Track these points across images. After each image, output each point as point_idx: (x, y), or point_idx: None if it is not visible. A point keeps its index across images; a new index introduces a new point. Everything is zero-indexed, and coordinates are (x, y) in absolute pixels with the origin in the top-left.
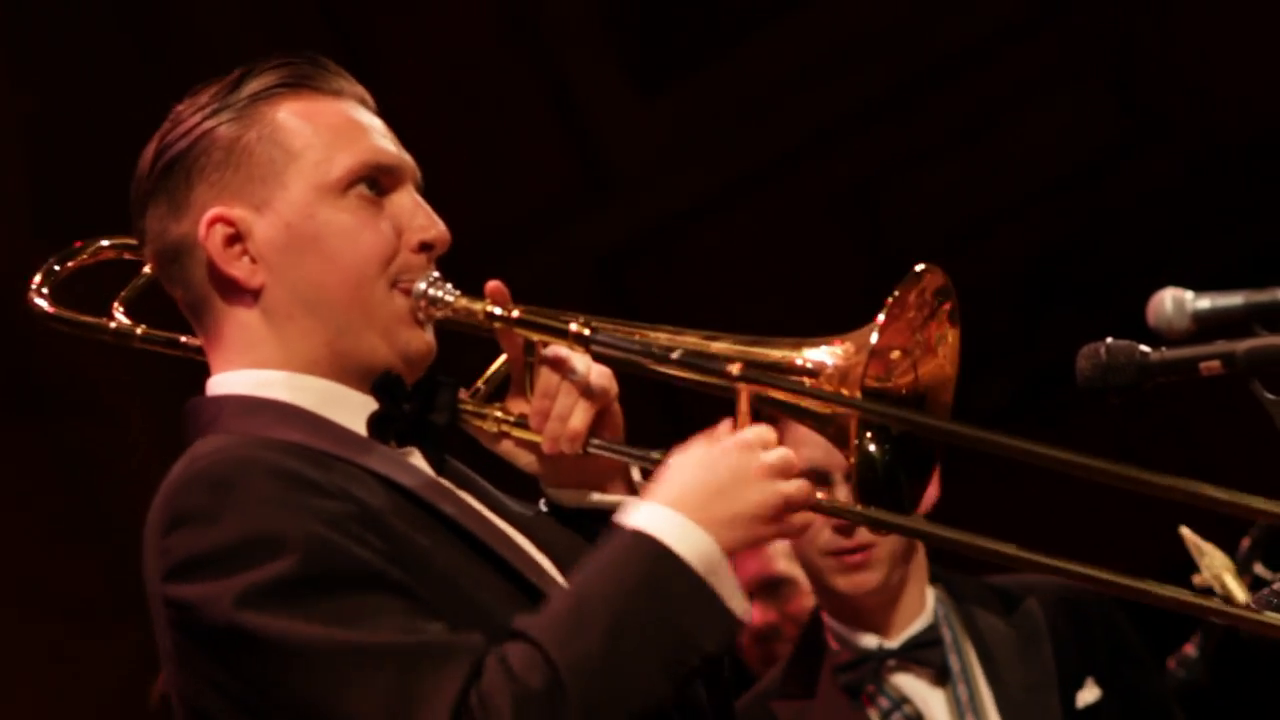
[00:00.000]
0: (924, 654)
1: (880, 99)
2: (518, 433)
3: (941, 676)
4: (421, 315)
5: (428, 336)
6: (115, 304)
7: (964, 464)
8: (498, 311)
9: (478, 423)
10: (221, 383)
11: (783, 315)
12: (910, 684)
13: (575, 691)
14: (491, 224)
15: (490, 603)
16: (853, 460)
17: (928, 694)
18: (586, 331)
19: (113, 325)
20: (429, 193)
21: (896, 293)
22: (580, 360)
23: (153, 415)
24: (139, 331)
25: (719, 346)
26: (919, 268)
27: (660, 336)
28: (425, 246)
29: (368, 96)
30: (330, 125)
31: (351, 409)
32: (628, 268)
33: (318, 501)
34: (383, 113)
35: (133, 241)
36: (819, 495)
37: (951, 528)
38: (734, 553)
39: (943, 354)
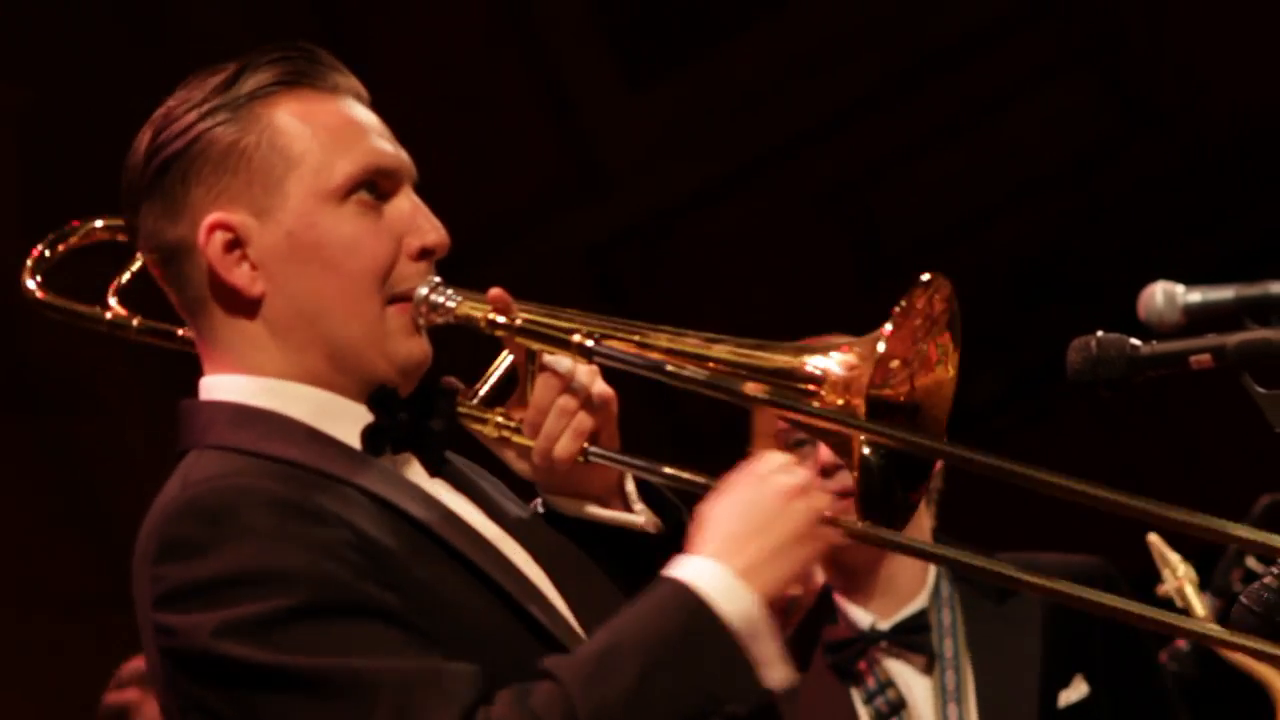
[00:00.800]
0: (913, 639)
1: (871, 93)
2: (517, 439)
3: (929, 662)
4: (422, 321)
5: (425, 345)
6: (109, 293)
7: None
8: (500, 320)
9: (478, 427)
10: (215, 386)
11: (773, 308)
12: (898, 668)
13: None
14: (482, 217)
15: (486, 629)
16: (856, 473)
17: (913, 679)
18: (589, 343)
19: (108, 315)
20: (421, 187)
21: (904, 301)
22: (582, 372)
23: (147, 410)
24: (135, 323)
25: (720, 350)
26: (925, 276)
27: (661, 339)
28: (425, 252)
29: (362, 90)
30: (328, 127)
31: (347, 421)
32: (618, 261)
33: (313, 530)
34: (373, 107)
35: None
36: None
37: (953, 547)
38: (782, 587)
39: (942, 369)
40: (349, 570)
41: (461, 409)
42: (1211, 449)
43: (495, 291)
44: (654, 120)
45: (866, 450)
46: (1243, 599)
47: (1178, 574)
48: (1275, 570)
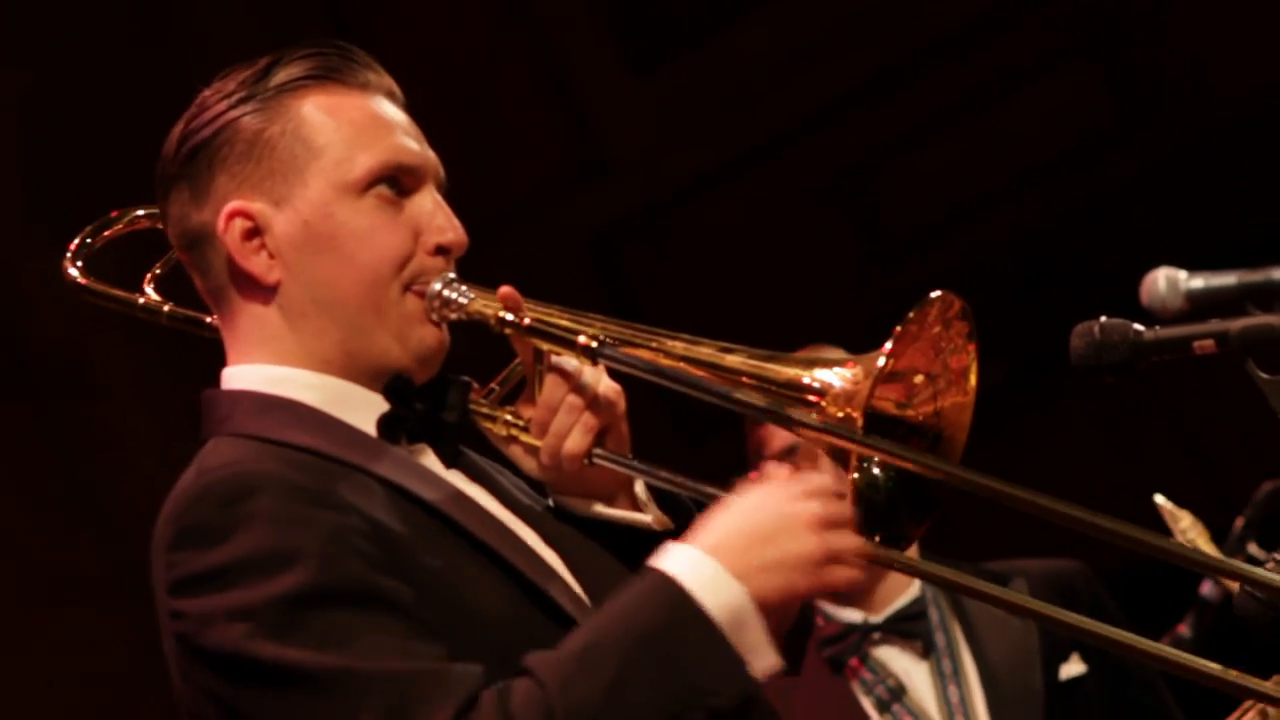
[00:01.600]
0: (909, 626)
1: (874, 80)
2: (525, 438)
3: (926, 650)
4: (435, 316)
5: (440, 333)
6: (145, 280)
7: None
8: (509, 317)
9: (488, 425)
10: (236, 376)
11: (775, 295)
12: (894, 657)
13: None
14: (485, 204)
15: (499, 615)
16: (854, 478)
17: (911, 667)
18: (595, 345)
19: (141, 301)
20: None
21: (911, 315)
22: (589, 372)
23: (147, 394)
24: (166, 309)
25: (733, 360)
26: (935, 293)
27: (676, 345)
28: (442, 249)
29: (396, 89)
30: (354, 122)
31: (363, 409)
32: (621, 248)
33: (325, 516)
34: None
35: None
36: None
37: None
38: (770, 602)
39: (964, 387)
40: (359, 558)
41: (473, 405)
42: (1214, 434)
43: (505, 289)
44: (656, 107)
45: (877, 470)
46: (1246, 586)
47: (1187, 533)
48: (1278, 555)
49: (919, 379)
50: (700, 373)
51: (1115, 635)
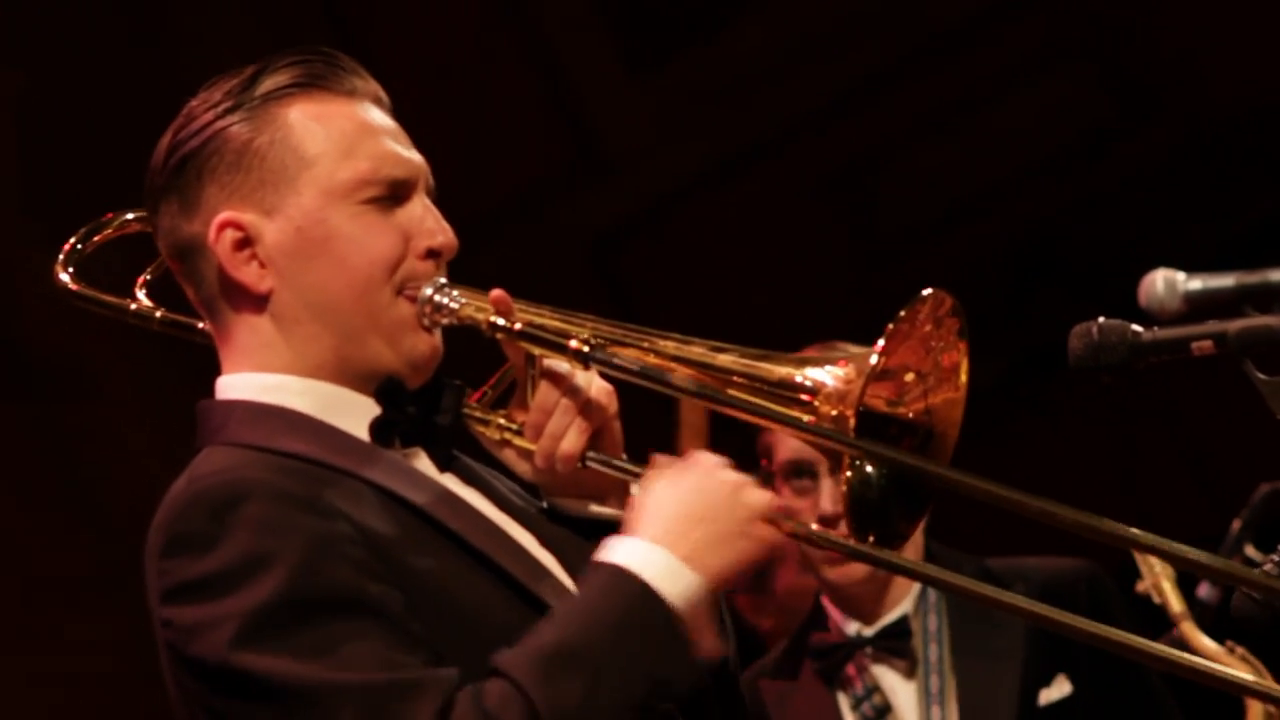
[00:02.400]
0: (895, 644)
1: (871, 78)
2: (519, 441)
3: (913, 666)
4: (426, 321)
5: (433, 340)
6: (138, 285)
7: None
8: (500, 322)
9: (481, 428)
10: (230, 385)
11: (773, 293)
12: (883, 673)
13: None
14: (483, 203)
15: (490, 617)
16: (845, 475)
17: (898, 684)
18: (586, 348)
19: (133, 307)
20: None
21: (902, 313)
22: (581, 375)
23: (142, 396)
24: (158, 315)
25: (724, 360)
26: (926, 291)
27: (668, 345)
28: (433, 253)
29: (382, 94)
30: (342, 129)
31: (357, 414)
32: (620, 247)
33: (312, 522)
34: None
35: None
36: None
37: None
38: (721, 579)
39: (955, 384)
40: (346, 563)
41: (466, 409)
42: (1212, 436)
43: (496, 293)
44: (653, 105)
45: (869, 468)
46: (1242, 587)
47: (1155, 570)
48: (1275, 558)
49: (910, 377)
50: (691, 373)
51: (1115, 636)
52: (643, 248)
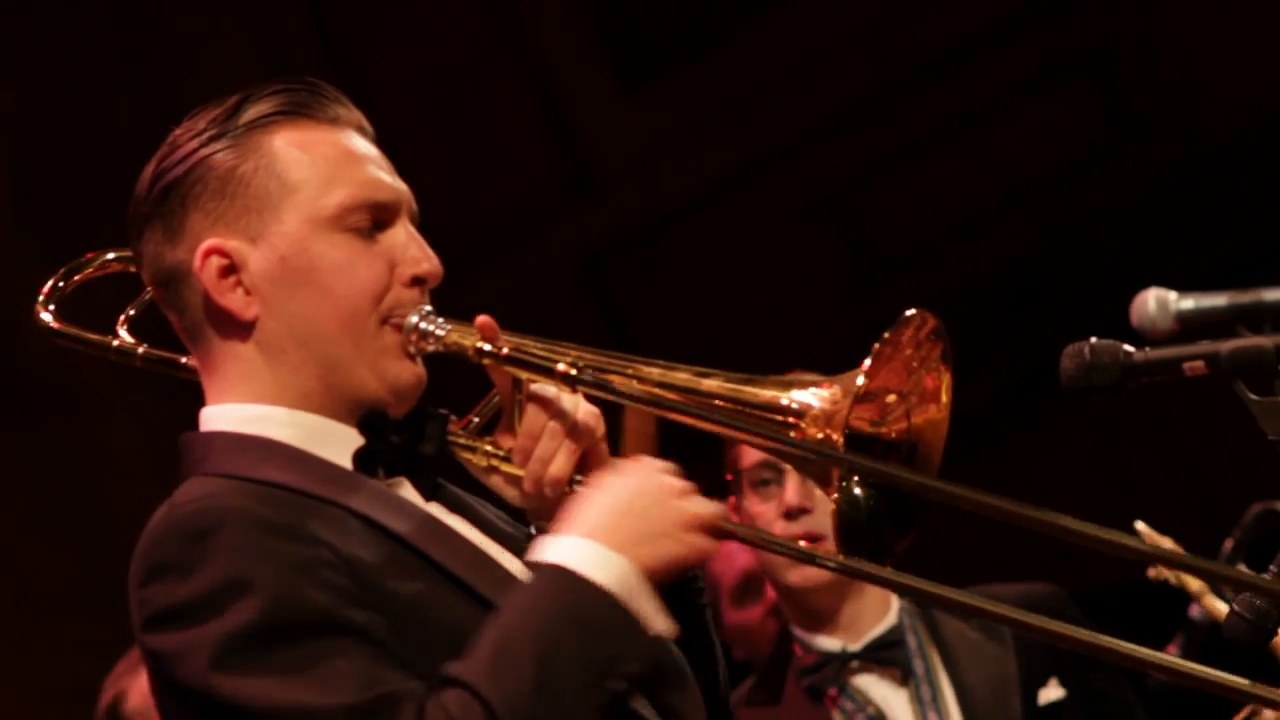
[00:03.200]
0: (887, 654)
1: (865, 98)
2: (506, 467)
3: (904, 677)
4: (412, 349)
5: (417, 369)
6: (120, 322)
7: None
8: (487, 348)
9: (468, 455)
10: (214, 416)
11: (767, 313)
12: (873, 685)
13: None
14: (476, 223)
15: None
16: (835, 497)
17: (890, 695)
18: (574, 372)
19: (115, 344)
20: (415, 193)
21: (886, 335)
22: (568, 399)
23: (134, 412)
24: (140, 351)
25: (710, 384)
26: (909, 312)
27: (653, 372)
28: (417, 281)
29: (365, 123)
30: (326, 157)
31: (341, 444)
32: (612, 266)
33: (290, 548)
34: (366, 111)
35: None
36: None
37: (900, 571)
38: (653, 571)
39: (938, 404)
40: (324, 589)
41: (452, 437)
42: (1203, 456)
43: (482, 319)
44: (648, 125)
45: (858, 489)
46: (1235, 606)
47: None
48: (1268, 576)
49: (891, 398)
50: (677, 397)
51: (1097, 641)
52: (635, 267)
